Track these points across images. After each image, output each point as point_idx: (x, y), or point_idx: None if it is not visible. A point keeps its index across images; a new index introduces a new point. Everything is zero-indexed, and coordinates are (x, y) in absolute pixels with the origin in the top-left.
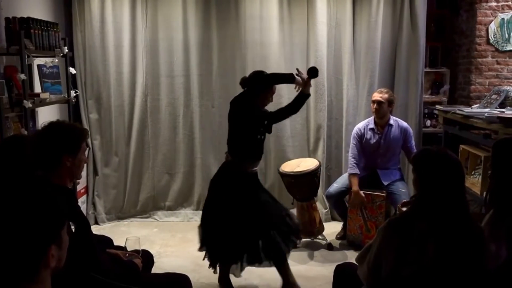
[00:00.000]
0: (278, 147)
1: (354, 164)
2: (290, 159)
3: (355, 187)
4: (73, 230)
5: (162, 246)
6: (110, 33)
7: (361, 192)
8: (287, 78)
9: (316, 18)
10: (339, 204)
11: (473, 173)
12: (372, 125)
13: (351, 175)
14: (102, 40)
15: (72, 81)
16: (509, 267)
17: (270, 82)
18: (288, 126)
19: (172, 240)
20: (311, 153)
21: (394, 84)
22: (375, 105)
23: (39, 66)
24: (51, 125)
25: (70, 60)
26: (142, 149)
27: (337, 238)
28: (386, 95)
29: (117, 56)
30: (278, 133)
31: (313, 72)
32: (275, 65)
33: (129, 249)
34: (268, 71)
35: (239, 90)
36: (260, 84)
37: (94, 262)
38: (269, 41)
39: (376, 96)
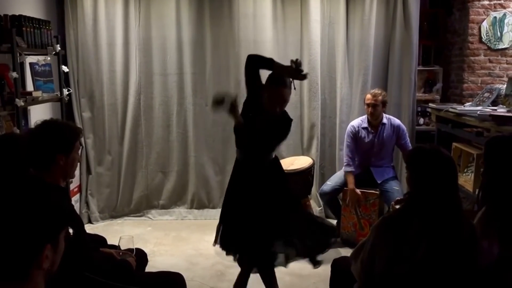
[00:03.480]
0: None
1: (350, 162)
2: (283, 157)
3: (351, 185)
4: (71, 234)
5: (156, 245)
6: (103, 31)
7: (357, 190)
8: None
9: (310, 16)
10: (333, 202)
11: (465, 170)
12: (365, 124)
13: (347, 172)
14: (95, 38)
15: (64, 79)
16: (501, 264)
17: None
18: None
19: (166, 238)
20: (305, 151)
21: (387, 82)
22: (370, 108)
23: (31, 64)
24: (44, 123)
25: (62, 58)
26: (135, 147)
27: None
28: (380, 97)
29: (110, 54)
30: None
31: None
32: None
33: (122, 248)
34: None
35: (233, 88)
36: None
37: (87, 261)
38: (262, 39)
39: (371, 99)
